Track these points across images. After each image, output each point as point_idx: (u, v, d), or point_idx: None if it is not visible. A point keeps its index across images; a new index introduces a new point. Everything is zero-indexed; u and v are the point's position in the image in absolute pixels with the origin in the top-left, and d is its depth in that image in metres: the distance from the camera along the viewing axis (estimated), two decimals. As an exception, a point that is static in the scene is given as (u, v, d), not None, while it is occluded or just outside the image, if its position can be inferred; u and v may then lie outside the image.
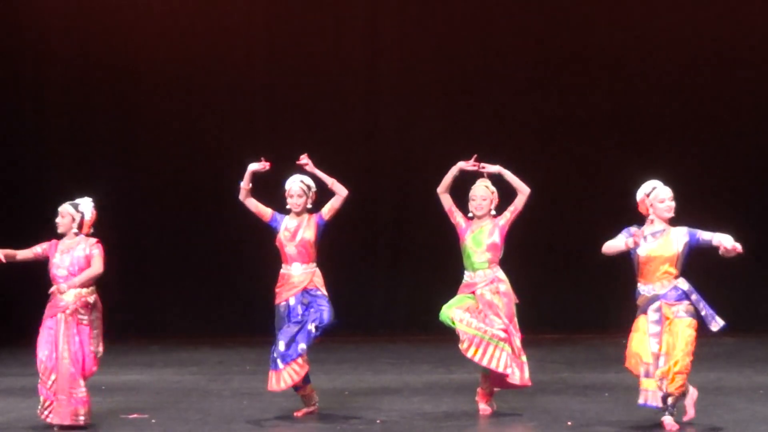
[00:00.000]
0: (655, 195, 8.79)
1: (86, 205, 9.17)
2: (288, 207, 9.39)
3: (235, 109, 14.73)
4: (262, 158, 9.31)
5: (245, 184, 9.33)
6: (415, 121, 14.55)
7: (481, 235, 9.25)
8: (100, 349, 9.11)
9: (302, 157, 9.47)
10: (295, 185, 9.37)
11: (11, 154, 14.84)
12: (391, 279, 14.66)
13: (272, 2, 14.72)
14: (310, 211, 9.40)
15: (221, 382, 11.31)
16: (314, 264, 9.38)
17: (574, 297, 14.03)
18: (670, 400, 8.44)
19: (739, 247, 8.43)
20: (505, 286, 9.29)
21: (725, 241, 8.45)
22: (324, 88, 14.64)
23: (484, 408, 9.34)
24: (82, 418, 8.96)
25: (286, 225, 9.37)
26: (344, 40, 14.64)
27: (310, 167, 9.44)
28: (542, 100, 14.39)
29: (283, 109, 14.66)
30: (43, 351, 8.97)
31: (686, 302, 8.52)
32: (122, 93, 14.76)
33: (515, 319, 9.27)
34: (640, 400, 8.50)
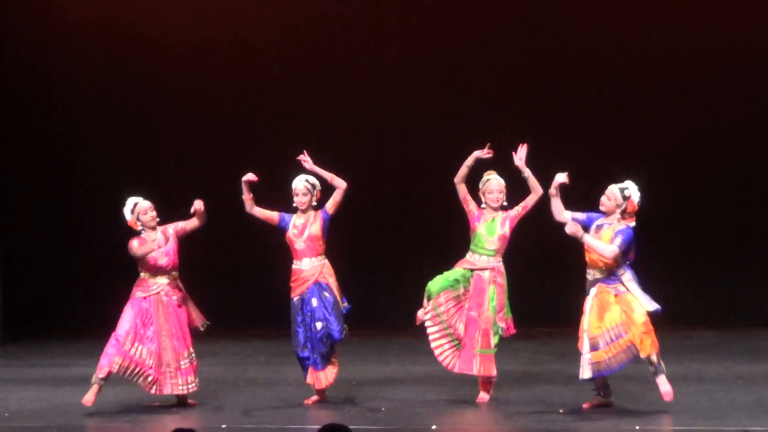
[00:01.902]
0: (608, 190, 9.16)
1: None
2: (294, 205, 9.50)
3: (248, 114, 14.68)
4: (250, 173, 9.46)
5: (246, 196, 9.45)
6: (419, 123, 14.44)
7: (494, 225, 9.37)
8: (202, 325, 9.66)
9: (301, 155, 9.60)
10: (300, 184, 9.47)
11: (41, 162, 14.90)
12: (395, 275, 14.60)
13: (284, 13, 14.68)
14: (316, 208, 9.50)
15: (237, 372, 11.34)
16: (323, 256, 9.47)
17: (566, 292, 14.00)
18: (654, 359, 8.67)
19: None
20: (503, 278, 9.42)
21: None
22: (332, 92, 14.55)
23: (482, 396, 9.41)
24: (186, 387, 9.32)
25: (294, 222, 9.46)
26: (351, 45, 14.51)
27: (309, 165, 9.54)
28: (545, 100, 14.18)
29: (292, 112, 14.60)
30: (126, 325, 9.26)
31: (619, 283, 8.83)
32: (145, 99, 14.76)
33: (505, 309, 9.38)
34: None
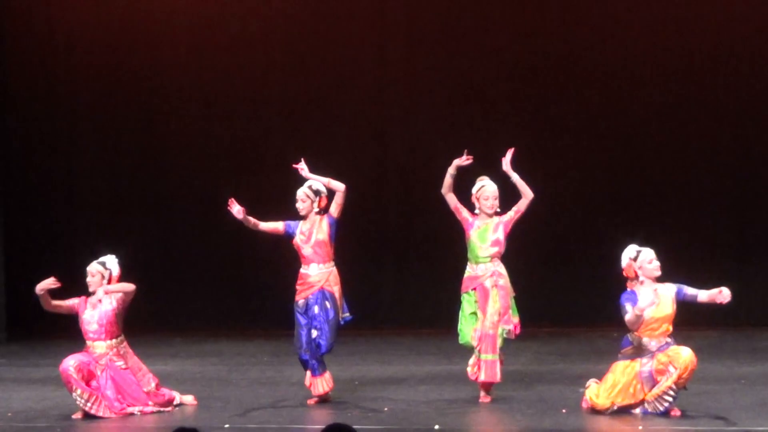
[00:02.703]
0: (643, 258, 8.76)
1: (112, 263, 9.26)
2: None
3: (251, 116, 14.70)
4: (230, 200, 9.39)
5: (248, 223, 9.39)
6: (420, 126, 14.45)
7: (487, 232, 9.27)
8: (152, 385, 9.21)
9: (297, 164, 9.54)
10: (300, 191, 9.45)
11: (45, 165, 14.91)
12: (398, 277, 14.59)
13: (287, 18, 14.69)
14: (321, 214, 9.45)
15: (240, 372, 11.33)
16: (331, 263, 9.42)
17: (569, 293, 14.01)
18: (678, 393, 8.55)
19: (727, 297, 8.60)
20: (504, 280, 9.33)
21: (719, 297, 8.58)
22: (335, 97, 14.56)
23: (484, 396, 9.36)
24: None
25: (301, 229, 9.43)
26: (354, 50, 14.54)
27: (305, 173, 9.49)
28: (544, 103, 14.21)
29: (296, 116, 14.60)
30: (78, 361, 9.03)
31: (672, 344, 8.67)
32: (148, 101, 14.79)
33: (510, 311, 9.32)
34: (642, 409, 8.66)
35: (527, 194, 9.27)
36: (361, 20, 14.58)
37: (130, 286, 9.17)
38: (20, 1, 14.75)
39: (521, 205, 9.29)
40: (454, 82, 14.43)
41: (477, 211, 9.34)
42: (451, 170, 9.32)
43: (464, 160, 9.32)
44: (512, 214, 9.29)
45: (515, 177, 9.30)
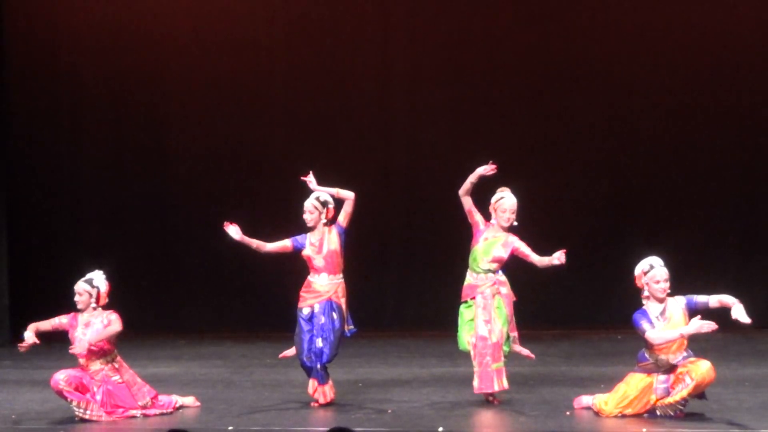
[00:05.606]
0: (652, 276, 8.61)
1: (99, 279, 9.17)
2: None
3: (254, 119, 14.72)
4: (226, 222, 9.33)
5: (252, 246, 9.35)
6: (424, 131, 14.48)
7: (493, 246, 9.17)
8: (148, 399, 9.15)
9: (306, 176, 9.50)
10: (307, 202, 9.40)
11: (48, 168, 14.93)
12: (402, 279, 14.61)
13: (291, 21, 14.71)
14: (329, 224, 9.40)
15: (244, 375, 11.33)
16: (341, 275, 9.39)
17: (572, 295, 14.00)
18: (687, 400, 8.53)
19: (745, 317, 8.43)
20: (506, 288, 9.28)
21: (737, 313, 8.45)
22: (339, 103, 14.60)
23: (494, 398, 9.31)
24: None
25: (310, 240, 9.38)
26: (357, 56, 14.59)
27: (313, 185, 9.45)
28: (548, 107, 14.27)
29: (300, 122, 14.63)
30: (69, 374, 9.02)
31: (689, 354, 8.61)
32: (151, 99, 14.84)
33: (513, 317, 9.29)
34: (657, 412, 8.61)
35: (543, 264, 8.97)
36: (363, 25, 14.62)
37: (115, 330, 8.99)
38: (23, 7, 14.76)
39: (533, 258, 9.04)
40: (458, 87, 14.44)
41: (493, 221, 9.24)
42: (472, 178, 9.12)
43: (488, 171, 9.15)
44: (525, 249, 9.11)
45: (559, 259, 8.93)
